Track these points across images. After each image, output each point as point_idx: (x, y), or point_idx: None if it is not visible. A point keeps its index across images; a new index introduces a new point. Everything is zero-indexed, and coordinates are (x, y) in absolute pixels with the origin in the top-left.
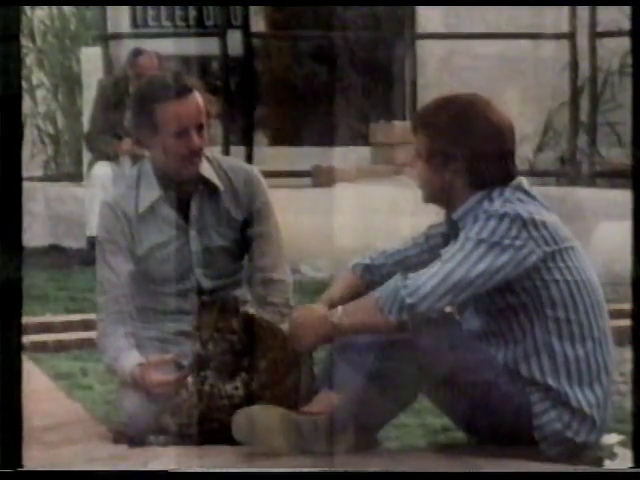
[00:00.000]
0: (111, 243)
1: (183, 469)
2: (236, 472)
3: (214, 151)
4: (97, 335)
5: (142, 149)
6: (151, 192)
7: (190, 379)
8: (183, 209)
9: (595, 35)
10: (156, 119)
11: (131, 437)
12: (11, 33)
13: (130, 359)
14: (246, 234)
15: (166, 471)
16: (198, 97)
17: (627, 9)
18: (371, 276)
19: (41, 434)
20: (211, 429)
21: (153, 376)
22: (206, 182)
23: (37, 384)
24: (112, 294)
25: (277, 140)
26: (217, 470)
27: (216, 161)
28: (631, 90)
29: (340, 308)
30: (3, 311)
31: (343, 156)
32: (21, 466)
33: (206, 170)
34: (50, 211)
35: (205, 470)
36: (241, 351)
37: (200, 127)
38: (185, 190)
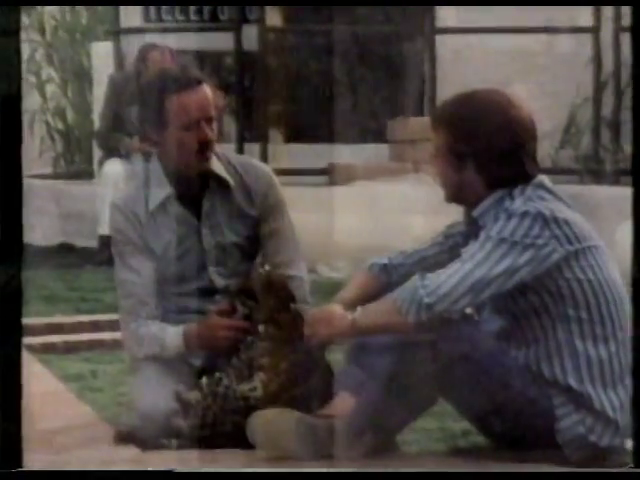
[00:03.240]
0: (128, 244)
1: (183, 469)
2: (236, 472)
3: (228, 148)
4: (127, 336)
5: (150, 145)
6: (161, 190)
7: (204, 380)
8: (194, 206)
9: (620, 29)
10: (165, 112)
11: (142, 440)
12: (11, 29)
13: (180, 328)
14: (260, 231)
15: (166, 471)
16: (207, 89)
17: None
18: (388, 276)
19: (50, 437)
20: (225, 431)
21: (220, 320)
22: (217, 178)
23: (46, 386)
24: (138, 297)
25: (292, 137)
26: (217, 470)
27: (225, 157)
28: (631, 90)
29: (359, 308)
30: (3, 311)
31: (360, 153)
32: (21, 466)
33: (216, 166)
34: (60, 209)
35: (205, 470)
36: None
37: (210, 120)
38: (196, 186)
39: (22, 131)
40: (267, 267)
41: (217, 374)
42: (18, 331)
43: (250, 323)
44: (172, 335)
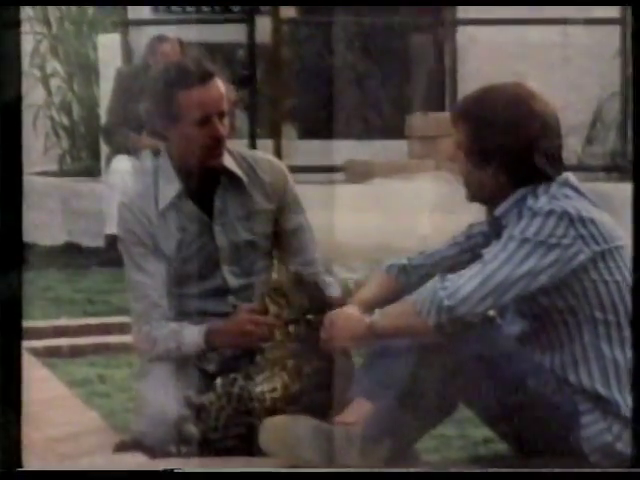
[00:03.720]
0: (138, 245)
1: (183, 469)
2: (236, 472)
3: (240, 145)
4: (139, 339)
5: (159, 141)
6: (171, 187)
7: (219, 380)
8: (206, 203)
9: None
10: (176, 107)
11: (149, 447)
12: (10, 21)
13: (202, 326)
14: (279, 228)
15: (166, 471)
16: (220, 83)
17: None
18: (407, 278)
19: (56, 444)
20: (238, 434)
21: (251, 316)
22: (229, 174)
23: (51, 391)
24: (150, 299)
25: (307, 133)
26: (217, 470)
27: (238, 153)
28: (632, 90)
29: (377, 311)
30: (3, 312)
31: (378, 150)
32: (21, 466)
33: (228, 162)
34: (66, 208)
35: (205, 470)
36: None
37: (222, 115)
38: (207, 183)
39: (22, 130)
40: (297, 266)
41: (232, 375)
42: (18, 329)
43: (280, 322)
44: (192, 332)
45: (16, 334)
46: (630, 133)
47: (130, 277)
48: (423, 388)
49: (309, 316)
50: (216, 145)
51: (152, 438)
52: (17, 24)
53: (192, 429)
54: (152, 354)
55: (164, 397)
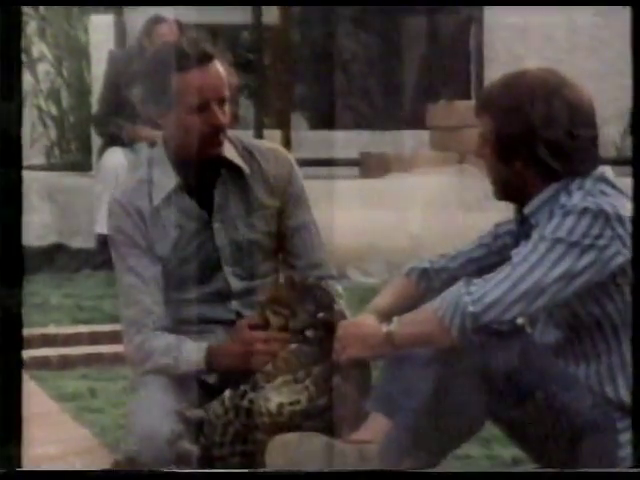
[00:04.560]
0: (129, 245)
1: (183, 469)
2: (236, 472)
3: (245, 136)
4: (130, 350)
5: (154, 129)
6: (166, 181)
7: (227, 393)
8: (205, 198)
9: None
10: (171, 92)
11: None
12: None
13: (203, 344)
14: (282, 226)
15: (166, 471)
16: (219, 67)
17: None
18: (429, 282)
19: (43, 464)
20: (246, 451)
21: (257, 334)
22: (230, 166)
23: (39, 406)
24: (142, 305)
25: (319, 123)
26: (217, 470)
27: (239, 142)
28: (632, 89)
29: (395, 319)
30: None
31: (396, 141)
32: (20, 466)
33: (229, 152)
34: (53, 205)
35: (205, 470)
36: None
37: (222, 101)
38: (206, 176)
39: (21, 138)
40: (297, 273)
41: (242, 387)
42: (18, 326)
43: (285, 336)
44: (191, 350)
45: (16, 334)
46: None
47: (120, 280)
48: (446, 403)
49: (309, 333)
50: (215, 134)
51: (144, 457)
52: (17, 24)
53: (187, 446)
54: (145, 367)
55: (156, 412)
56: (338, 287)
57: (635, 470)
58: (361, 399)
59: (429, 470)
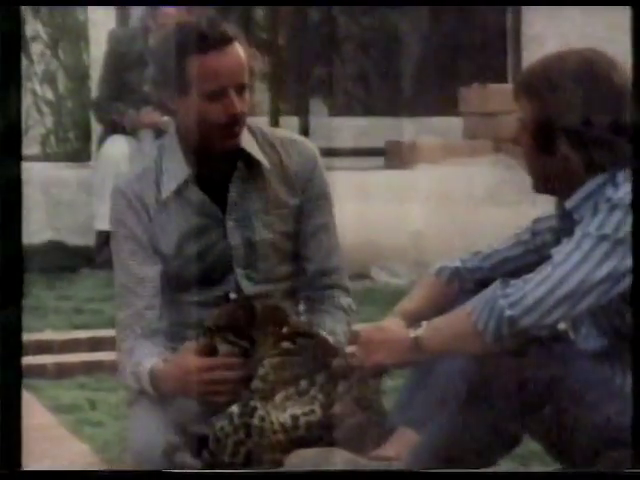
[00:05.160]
0: (129, 240)
1: (182, 469)
2: (236, 472)
3: (260, 122)
4: (118, 358)
5: (167, 116)
6: (177, 172)
7: (235, 409)
8: (219, 193)
9: None
10: (186, 75)
11: None
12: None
13: (157, 358)
14: (301, 226)
15: (166, 471)
16: (239, 50)
17: None
18: (461, 283)
19: None
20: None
21: (193, 360)
22: (248, 158)
23: (34, 419)
24: (136, 307)
25: (340, 109)
26: (217, 470)
27: (260, 133)
28: (632, 88)
29: (424, 324)
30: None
31: (426, 129)
32: (20, 466)
33: (248, 143)
34: (49, 199)
35: (205, 471)
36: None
37: (241, 88)
38: (221, 169)
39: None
40: (239, 295)
41: (251, 402)
42: (18, 320)
43: (236, 362)
44: (145, 369)
45: (16, 323)
46: None
47: (116, 279)
48: (479, 416)
49: (286, 344)
50: (232, 123)
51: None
52: (17, 24)
53: (188, 460)
54: (130, 384)
55: (152, 425)
56: (348, 300)
57: (635, 470)
58: (378, 411)
59: (433, 470)
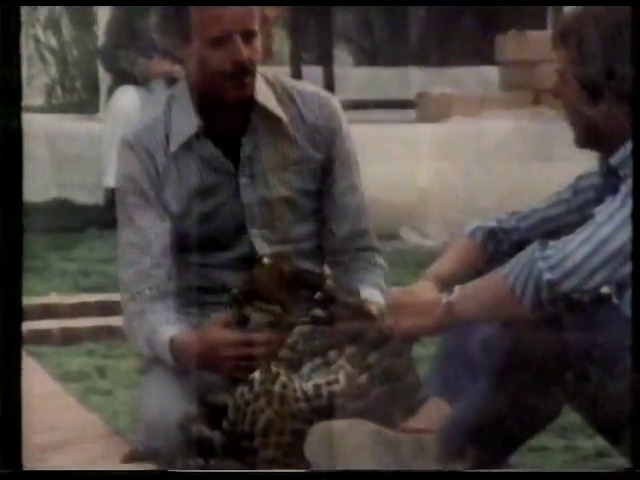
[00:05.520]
0: (136, 194)
1: (183, 469)
2: (236, 472)
3: (280, 73)
4: (124, 321)
5: (175, 64)
6: (187, 123)
7: (257, 375)
8: (232, 147)
9: None
10: (188, 20)
11: (152, 459)
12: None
13: (174, 329)
14: (324, 185)
15: (166, 471)
16: None
17: None
18: (497, 245)
19: (46, 454)
20: (278, 444)
21: (221, 334)
22: (264, 111)
23: (39, 387)
24: (142, 265)
25: (366, 58)
26: (217, 470)
27: (279, 84)
28: (631, 88)
29: (457, 288)
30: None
31: (459, 80)
32: (21, 466)
33: (264, 95)
34: (54, 153)
35: (205, 470)
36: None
37: (250, 34)
38: (234, 122)
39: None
40: (266, 259)
41: (274, 368)
42: (18, 314)
43: (277, 334)
44: (163, 338)
45: (16, 317)
46: None
47: (120, 236)
48: (516, 386)
49: (318, 312)
50: (240, 73)
51: (152, 447)
52: (17, 25)
53: (206, 432)
54: (139, 349)
55: (167, 395)
56: (380, 260)
57: (635, 470)
58: (408, 383)
59: (433, 470)
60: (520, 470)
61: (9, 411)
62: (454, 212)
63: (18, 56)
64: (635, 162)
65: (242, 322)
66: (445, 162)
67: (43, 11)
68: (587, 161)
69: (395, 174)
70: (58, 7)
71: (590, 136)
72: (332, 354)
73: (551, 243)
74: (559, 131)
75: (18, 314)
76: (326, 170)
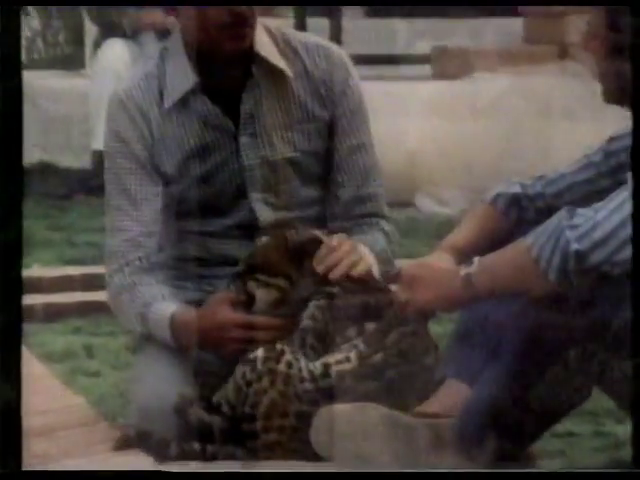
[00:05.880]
0: (126, 156)
1: (182, 469)
2: (236, 472)
3: (283, 25)
4: (109, 295)
5: (168, 15)
6: (182, 79)
7: (260, 353)
8: (231, 104)
9: None
10: None
11: (146, 445)
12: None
13: (173, 305)
14: (334, 146)
15: (166, 471)
16: None
17: None
18: (521, 212)
19: (31, 441)
20: (281, 427)
21: (227, 314)
22: (266, 65)
23: (22, 368)
24: (131, 232)
25: (376, 9)
26: (217, 470)
27: (282, 36)
28: (631, 88)
29: (476, 260)
30: None
31: (480, 32)
32: (21, 466)
33: (265, 47)
34: (37, 113)
35: (205, 470)
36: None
37: None
38: (233, 77)
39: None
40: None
41: (278, 345)
42: (17, 307)
43: (285, 316)
44: (159, 314)
45: (15, 328)
46: None
47: (108, 202)
48: (542, 366)
49: (329, 288)
50: (237, 23)
51: (144, 430)
52: (17, 25)
53: (205, 417)
54: (125, 324)
55: (162, 375)
56: (390, 228)
57: (635, 470)
58: (429, 361)
59: (434, 470)
60: (520, 470)
61: (9, 411)
62: (473, 177)
63: (17, 16)
64: (635, 162)
65: (247, 301)
66: (464, 122)
67: None
68: (620, 120)
69: (408, 136)
70: None
71: (621, 92)
72: (351, 331)
73: (579, 211)
74: (588, 87)
75: (18, 288)
76: (333, 128)
